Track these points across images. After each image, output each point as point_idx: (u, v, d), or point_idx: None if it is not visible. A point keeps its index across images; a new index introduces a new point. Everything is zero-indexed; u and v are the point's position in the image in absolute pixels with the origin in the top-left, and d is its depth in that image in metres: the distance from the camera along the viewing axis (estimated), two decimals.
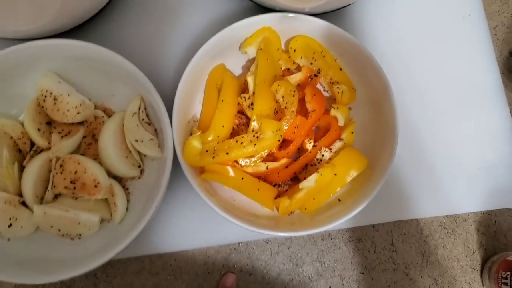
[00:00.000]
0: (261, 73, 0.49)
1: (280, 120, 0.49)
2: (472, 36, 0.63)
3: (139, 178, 0.53)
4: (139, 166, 0.52)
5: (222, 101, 0.50)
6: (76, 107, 0.50)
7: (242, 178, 0.48)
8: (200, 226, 0.54)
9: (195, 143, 0.47)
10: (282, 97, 0.49)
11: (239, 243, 0.56)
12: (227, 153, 0.47)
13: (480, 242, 0.60)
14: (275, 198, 0.51)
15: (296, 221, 0.51)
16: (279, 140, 0.47)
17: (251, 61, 0.54)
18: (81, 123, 0.53)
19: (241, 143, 0.47)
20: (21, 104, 0.52)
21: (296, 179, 0.53)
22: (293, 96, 0.49)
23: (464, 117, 0.61)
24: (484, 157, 0.61)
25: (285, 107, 0.49)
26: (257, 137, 0.47)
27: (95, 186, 0.48)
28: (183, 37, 0.58)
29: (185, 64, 0.55)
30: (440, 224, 0.60)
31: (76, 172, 0.49)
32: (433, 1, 0.63)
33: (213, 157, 0.47)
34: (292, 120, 0.49)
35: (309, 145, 0.51)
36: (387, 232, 0.59)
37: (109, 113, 0.54)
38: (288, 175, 0.51)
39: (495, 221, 0.61)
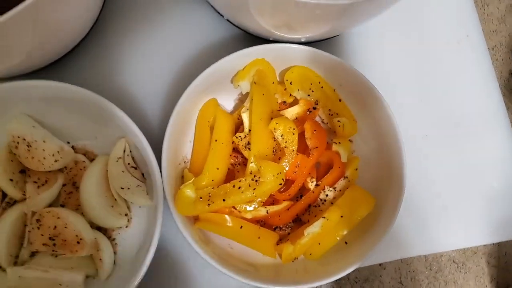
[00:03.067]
0: (256, 110, 0.45)
1: (279, 159, 0.45)
2: (471, 59, 0.60)
3: (126, 227, 0.48)
4: (126, 215, 0.47)
5: (216, 140, 0.46)
6: (53, 155, 0.45)
7: (241, 227, 0.44)
8: (195, 277, 0.49)
9: (188, 192, 0.42)
10: (281, 136, 0.45)
11: None
12: (224, 200, 0.43)
13: (492, 275, 0.57)
14: (277, 243, 0.46)
15: (300, 268, 0.47)
16: (280, 184, 0.43)
17: (245, 94, 0.50)
18: (60, 169, 0.48)
19: (239, 187, 0.43)
20: None
21: (298, 221, 0.49)
22: (293, 134, 0.45)
23: (468, 143, 0.58)
24: (490, 184, 0.58)
25: (285, 146, 0.45)
26: (256, 181, 0.43)
27: (78, 243, 0.43)
28: (169, 68, 0.54)
29: (172, 99, 0.51)
30: (449, 258, 0.56)
31: (55, 227, 0.44)
32: (429, 26, 0.60)
33: (208, 204, 0.43)
34: (292, 160, 0.44)
35: (311, 185, 0.47)
36: (395, 270, 0.55)
37: (90, 157, 0.49)
38: (290, 218, 0.47)
39: (505, 252, 0.58)
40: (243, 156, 0.48)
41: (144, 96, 0.53)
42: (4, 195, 0.47)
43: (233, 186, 0.44)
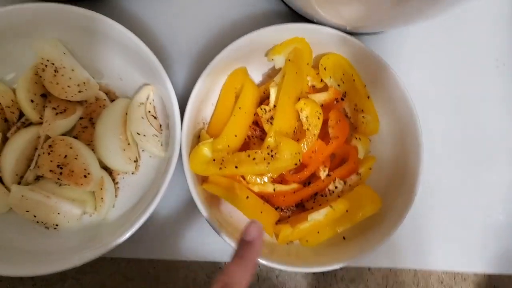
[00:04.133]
0: (287, 87, 0.45)
1: (298, 140, 0.45)
2: (504, 87, 0.60)
3: (132, 173, 0.48)
4: (135, 161, 0.47)
5: (240, 108, 0.45)
6: (78, 85, 0.45)
7: (247, 197, 0.43)
8: (188, 237, 0.49)
9: (205, 150, 0.42)
10: (306, 118, 0.44)
11: (225, 263, 0.51)
12: (236, 167, 0.43)
13: None
14: (276, 223, 0.46)
15: (292, 253, 0.47)
16: (296, 164, 0.42)
17: (275, 70, 0.50)
18: (79, 102, 0.47)
19: (253, 158, 0.43)
20: (18, 70, 0.47)
21: (300, 206, 0.49)
22: (318, 118, 0.45)
23: (484, 171, 0.58)
24: (497, 216, 0.58)
25: (307, 129, 0.44)
26: (272, 156, 0.43)
27: (85, 176, 0.43)
28: (204, 30, 0.54)
29: (202, 60, 0.51)
30: (438, 279, 0.56)
31: (66, 156, 0.44)
32: (472, 43, 0.60)
33: (220, 168, 0.43)
34: (311, 144, 0.44)
35: (323, 173, 0.47)
36: (383, 278, 0.55)
37: (111, 97, 0.49)
38: (294, 201, 0.47)
39: (494, 285, 0.58)
40: (261, 130, 0.47)
41: (176, 52, 0.52)
42: (21, 115, 0.46)
43: (248, 156, 0.43)
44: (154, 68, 0.44)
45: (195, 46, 0.53)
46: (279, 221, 0.47)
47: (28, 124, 0.47)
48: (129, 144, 0.47)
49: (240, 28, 0.54)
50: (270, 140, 0.44)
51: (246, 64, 0.50)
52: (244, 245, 0.34)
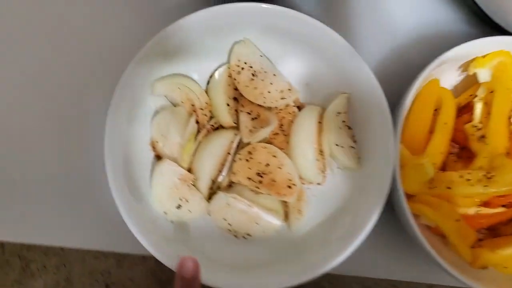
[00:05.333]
0: (498, 104, 0.42)
1: None
2: None
3: (318, 184, 0.46)
4: (323, 172, 0.45)
5: (445, 123, 0.43)
6: (282, 91, 0.43)
7: (458, 221, 0.41)
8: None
9: (428, 167, 0.39)
10: None
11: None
12: (449, 188, 0.40)
13: None
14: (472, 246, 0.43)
15: (485, 277, 0.44)
16: None
17: (467, 81, 0.47)
18: (267, 108, 0.45)
19: (467, 179, 0.40)
20: (204, 70, 0.45)
21: (492, 229, 0.46)
22: None
23: None
24: None
25: None
26: (489, 178, 0.40)
27: (289, 187, 0.41)
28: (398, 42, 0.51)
29: (395, 66, 0.48)
30: None
31: (267, 165, 0.42)
32: None
33: (430, 188, 0.40)
34: None
35: None
36: None
37: (295, 102, 0.47)
38: (490, 224, 0.44)
39: None
40: (462, 147, 0.45)
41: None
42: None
43: (461, 177, 0.41)
44: (359, 74, 0.41)
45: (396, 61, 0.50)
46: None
47: (217, 127, 0.45)
48: (320, 154, 0.44)
49: (428, 35, 0.51)
50: (482, 161, 0.41)
51: (438, 75, 0.47)
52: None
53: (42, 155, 0.47)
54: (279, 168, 0.42)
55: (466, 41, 0.43)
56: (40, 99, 0.48)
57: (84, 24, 0.49)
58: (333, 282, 0.48)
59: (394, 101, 0.42)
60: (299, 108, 0.46)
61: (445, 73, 0.47)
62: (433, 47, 0.45)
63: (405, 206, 0.39)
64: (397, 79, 0.46)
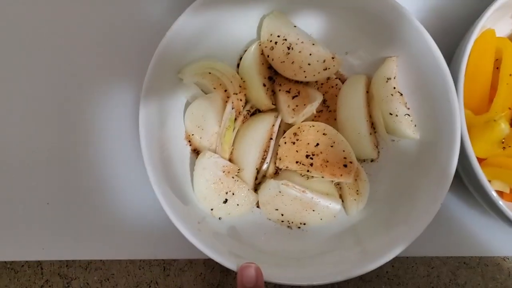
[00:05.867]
0: None
1: None
2: None
3: (372, 161, 0.41)
4: (376, 147, 0.41)
5: (510, 75, 0.38)
6: (324, 61, 0.38)
7: None
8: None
9: (503, 126, 0.34)
10: None
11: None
12: None
13: None
14: None
15: None
16: None
17: None
18: (307, 83, 0.41)
19: None
20: (232, 51, 0.41)
21: None
22: None
23: None
24: None
25: None
26: None
27: (345, 166, 0.37)
28: None
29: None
30: None
31: (317, 145, 0.37)
32: None
33: (504, 147, 0.35)
34: None
35: None
36: None
37: (336, 75, 0.43)
38: None
39: None
40: None
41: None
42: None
43: None
44: (408, 33, 0.36)
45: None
46: None
47: (253, 112, 0.41)
48: (372, 127, 0.40)
49: None
50: None
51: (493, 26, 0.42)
52: None
53: (70, 171, 0.44)
54: (331, 146, 0.37)
55: None
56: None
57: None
58: (394, 264, 0.44)
59: (446, 60, 0.37)
60: (341, 80, 0.42)
61: (499, 22, 0.42)
62: None
63: (479, 171, 0.35)
64: (445, 36, 0.41)
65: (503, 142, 0.37)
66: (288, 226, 0.39)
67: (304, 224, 0.39)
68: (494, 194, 0.34)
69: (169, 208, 0.33)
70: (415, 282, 0.43)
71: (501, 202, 0.34)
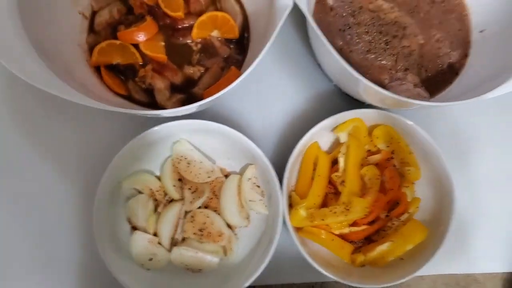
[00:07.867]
0: (351, 157, 0.64)
1: (363, 195, 0.64)
2: None
3: (245, 226, 0.68)
4: (247, 218, 0.67)
5: (319, 175, 0.64)
6: (207, 172, 0.65)
7: (332, 240, 0.63)
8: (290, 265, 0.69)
9: (302, 212, 0.61)
10: (369, 179, 0.63)
11: (315, 283, 0.70)
12: (323, 219, 0.62)
13: None
14: (352, 252, 0.65)
15: (366, 274, 0.66)
16: (365, 214, 0.61)
17: (338, 142, 0.69)
18: (202, 183, 0.67)
19: (334, 212, 0.62)
20: (156, 162, 0.67)
21: (368, 238, 0.68)
22: (377, 179, 0.63)
23: None
24: None
25: (370, 187, 0.63)
26: (347, 209, 0.62)
27: (219, 236, 0.63)
28: (280, 118, 0.73)
29: (285, 137, 0.70)
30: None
31: (204, 223, 0.64)
32: None
33: (311, 221, 0.62)
34: (374, 198, 0.63)
35: (383, 215, 0.65)
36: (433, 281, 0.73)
37: (223, 173, 0.69)
38: (363, 236, 0.66)
39: None
40: (335, 188, 0.66)
41: (261, 137, 0.72)
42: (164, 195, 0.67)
43: (330, 211, 0.62)
44: (255, 152, 0.63)
45: (276, 131, 0.72)
46: (354, 251, 0.66)
47: (171, 200, 0.67)
48: (242, 207, 0.66)
49: (311, 112, 0.73)
50: (344, 198, 0.63)
51: (317, 139, 0.68)
52: None
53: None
54: (212, 224, 0.64)
55: (336, 112, 0.64)
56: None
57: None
58: None
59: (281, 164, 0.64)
60: (227, 176, 0.68)
61: (323, 136, 0.69)
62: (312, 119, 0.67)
63: (293, 235, 0.61)
64: (282, 146, 0.69)
65: (311, 218, 0.63)
66: (192, 271, 0.65)
67: (200, 270, 0.65)
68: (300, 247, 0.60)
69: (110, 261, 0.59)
70: None
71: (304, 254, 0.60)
